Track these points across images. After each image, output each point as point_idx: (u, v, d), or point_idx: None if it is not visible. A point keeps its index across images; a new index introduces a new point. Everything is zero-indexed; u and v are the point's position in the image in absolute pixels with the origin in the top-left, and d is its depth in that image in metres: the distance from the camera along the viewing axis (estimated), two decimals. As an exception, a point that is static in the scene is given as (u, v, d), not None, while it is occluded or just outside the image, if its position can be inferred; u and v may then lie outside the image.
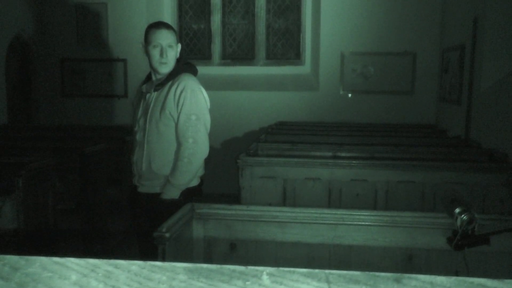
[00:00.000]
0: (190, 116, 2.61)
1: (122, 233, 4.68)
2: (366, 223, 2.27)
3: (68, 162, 4.19)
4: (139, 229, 2.81)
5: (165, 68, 2.69)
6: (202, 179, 2.83)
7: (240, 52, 7.02)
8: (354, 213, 2.30)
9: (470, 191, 3.52)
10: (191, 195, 2.67)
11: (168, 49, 2.66)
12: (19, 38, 6.28)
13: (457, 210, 1.22)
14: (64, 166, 4.10)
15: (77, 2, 6.61)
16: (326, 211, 2.33)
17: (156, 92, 2.70)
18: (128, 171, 4.72)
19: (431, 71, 6.20)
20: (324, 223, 2.31)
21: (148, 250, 2.69)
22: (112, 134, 5.26)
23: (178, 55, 2.75)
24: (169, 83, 2.68)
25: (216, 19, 6.96)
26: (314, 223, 2.31)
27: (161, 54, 2.65)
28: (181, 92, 2.62)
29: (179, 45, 2.76)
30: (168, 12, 6.89)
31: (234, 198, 3.91)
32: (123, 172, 4.77)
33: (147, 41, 2.69)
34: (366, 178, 3.60)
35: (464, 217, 1.20)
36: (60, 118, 6.77)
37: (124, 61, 6.61)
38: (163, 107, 2.64)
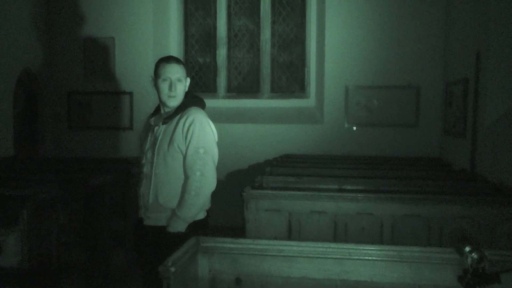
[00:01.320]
0: (198, 149, 2.63)
1: (126, 266, 4.63)
2: (373, 258, 2.25)
3: (73, 194, 4.19)
4: (144, 262, 2.79)
5: (174, 102, 2.73)
6: (209, 212, 2.83)
7: (245, 85, 7.10)
8: (361, 248, 2.27)
9: (476, 226, 3.49)
10: (198, 228, 2.66)
11: (177, 83, 2.71)
12: (27, 70, 6.38)
13: (467, 249, 1.21)
14: (68, 198, 4.10)
15: (85, 36, 6.74)
16: (332, 245, 2.31)
17: (164, 125, 2.72)
18: (133, 203, 4.72)
19: (435, 104, 6.24)
20: (331, 258, 2.28)
21: (152, 284, 2.67)
22: (118, 166, 5.26)
23: (186, 89, 2.79)
24: (178, 116, 2.71)
25: (221, 53, 7.06)
26: (321, 257, 2.29)
27: (170, 88, 2.70)
28: (190, 125, 2.64)
29: (188, 79, 2.80)
30: (174, 46, 7.00)
31: (239, 230, 3.88)
32: (128, 204, 4.76)
33: (156, 74, 2.74)
34: (372, 212, 3.57)
35: (474, 255, 1.19)
36: (66, 150, 6.81)
37: (130, 94, 6.69)
38: (171, 140, 2.65)
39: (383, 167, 5.20)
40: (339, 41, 6.41)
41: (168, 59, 2.76)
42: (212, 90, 7.06)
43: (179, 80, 2.72)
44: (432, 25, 6.23)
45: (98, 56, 6.74)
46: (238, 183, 5.65)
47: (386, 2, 6.32)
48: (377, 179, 4.38)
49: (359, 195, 3.63)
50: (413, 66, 6.28)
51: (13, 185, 4.15)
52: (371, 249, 2.27)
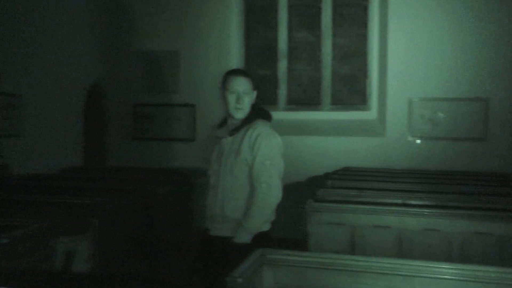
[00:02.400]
0: (264, 161, 2.65)
1: (188, 276, 4.71)
2: (445, 276, 2.16)
3: (138, 204, 4.32)
4: (208, 272, 2.82)
5: (241, 114, 2.77)
6: (273, 224, 2.83)
7: (305, 97, 7.09)
8: (432, 265, 2.19)
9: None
10: (263, 240, 2.67)
11: (244, 96, 2.74)
12: (96, 83, 6.68)
13: None
14: (134, 207, 4.23)
15: (151, 50, 6.98)
16: (401, 261, 2.24)
17: (231, 137, 2.76)
18: (196, 214, 4.80)
19: (505, 117, 5.96)
20: (399, 275, 2.21)
21: (216, 294, 2.69)
22: (180, 177, 5.38)
23: (253, 101, 2.82)
24: (244, 128, 2.74)
25: (282, 66, 7.10)
26: (389, 274, 2.22)
27: (237, 100, 2.74)
28: (256, 137, 2.67)
29: (255, 92, 2.84)
30: (235, 59, 7.10)
31: (297, 243, 3.85)
32: (190, 215, 4.84)
33: (224, 87, 2.79)
34: (439, 228, 3.44)
35: None
36: (131, 160, 7.04)
37: (193, 106, 6.84)
38: (237, 152, 2.69)
39: (449, 182, 5.01)
40: (402, 53, 6.28)
41: (236, 72, 2.81)
42: (272, 102, 7.10)
43: (246, 93, 2.76)
44: (502, 34, 5.98)
45: (163, 69, 6.96)
46: (296, 195, 5.63)
47: (452, 11, 6.14)
48: (444, 194, 4.22)
49: (425, 210, 3.51)
50: (482, 78, 6.05)
51: (83, 194, 4.34)
52: (442, 267, 2.18)
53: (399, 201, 4.01)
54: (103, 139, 6.99)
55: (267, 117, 2.89)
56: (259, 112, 2.85)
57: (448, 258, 3.41)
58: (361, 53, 6.88)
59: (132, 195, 4.31)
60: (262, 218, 2.65)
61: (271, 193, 2.65)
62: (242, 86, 2.75)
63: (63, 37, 5.88)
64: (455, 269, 2.16)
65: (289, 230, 5.75)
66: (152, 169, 6.33)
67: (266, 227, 2.76)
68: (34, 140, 5.38)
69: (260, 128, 2.71)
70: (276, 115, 6.74)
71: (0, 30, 4.92)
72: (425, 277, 2.19)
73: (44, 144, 5.55)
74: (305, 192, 5.46)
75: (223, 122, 2.90)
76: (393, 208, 3.65)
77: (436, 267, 2.17)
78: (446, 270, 2.16)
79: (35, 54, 5.41)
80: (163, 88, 6.99)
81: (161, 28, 6.95)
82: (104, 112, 6.97)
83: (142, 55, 7.02)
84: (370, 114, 6.79)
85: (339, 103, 6.96)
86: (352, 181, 5.00)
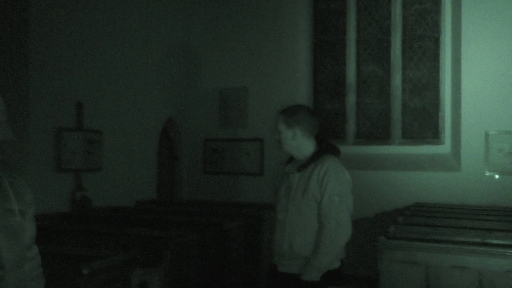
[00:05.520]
0: (333, 198, 2.62)
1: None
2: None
3: (208, 237, 4.40)
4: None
5: (281, 149, 2.88)
6: (343, 261, 2.78)
7: (374, 131, 6.98)
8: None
9: None
10: (332, 278, 2.62)
11: (276, 133, 2.86)
12: (170, 120, 6.96)
13: None
14: (204, 241, 4.30)
15: (221, 87, 7.20)
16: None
17: (299, 173, 2.77)
18: (265, 248, 4.81)
19: None
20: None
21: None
22: (249, 211, 5.43)
23: (295, 138, 2.80)
24: (312, 164, 2.74)
25: (350, 99, 7.06)
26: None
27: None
28: (325, 173, 2.66)
29: (293, 129, 2.79)
30: (303, 93, 7.14)
31: (368, 281, 3.74)
32: (259, 249, 4.85)
33: None
34: (524, 270, 3.22)
35: None
36: (200, 193, 7.20)
37: (261, 140, 6.94)
38: (306, 188, 2.69)
39: (532, 220, 4.71)
40: (477, 84, 6.07)
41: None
42: (341, 136, 7.05)
43: (278, 131, 2.84)
44: None
45: (232, 105, 7.15)
46: (366, 232, 5.49)
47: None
48: (527, 233, 3.96)
49: (509, 251, 3.31)
50: None
51: (157, 226, 4.48)
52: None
53: (478, 239, 3.80)
54: (176, 173, 7.23)
55: (335, 152, 2.87)
56: (327, 147, 2.84)
57: (534, 303, 3.18)
58: (433, 86, 6.72)
59: (203, 229, 4.40)
60: (331, 256, 2.61)
61: (340, 231, 2.61)
62: (277, 124, 2.86)
63: (139, 78, 6.23)
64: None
65: (359, 267, 5.60)
66: (221, 203, 6.44)
67: (335, 265, 2.71)
68: (113, 174, 5.67)
69: (328, 164, 2.70)
70: (345, 149, 6.69)
71: (84, 73, 5.29)
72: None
73: (121, 178, 5.82)
74: (375, 229, 5.34)
75: (292, 158, 2.92)
76: (471, 247, 3.46)
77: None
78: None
79: (114, 94, 5.75)
80: (232, 123, 7.16)
81: (229, 66, 7.17)
82: (177, 147, 7.22)
83: (212, 92, 7.25)
84: (444, 148, 6.56)
85: (410, 137, 6.79)
86: (426, 218, 4.82)
